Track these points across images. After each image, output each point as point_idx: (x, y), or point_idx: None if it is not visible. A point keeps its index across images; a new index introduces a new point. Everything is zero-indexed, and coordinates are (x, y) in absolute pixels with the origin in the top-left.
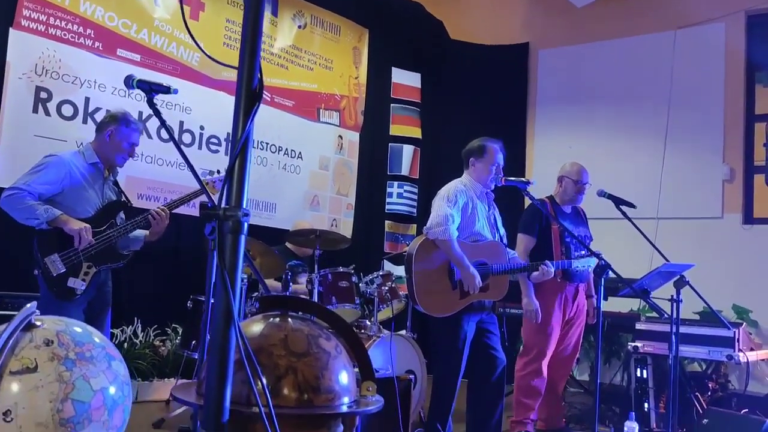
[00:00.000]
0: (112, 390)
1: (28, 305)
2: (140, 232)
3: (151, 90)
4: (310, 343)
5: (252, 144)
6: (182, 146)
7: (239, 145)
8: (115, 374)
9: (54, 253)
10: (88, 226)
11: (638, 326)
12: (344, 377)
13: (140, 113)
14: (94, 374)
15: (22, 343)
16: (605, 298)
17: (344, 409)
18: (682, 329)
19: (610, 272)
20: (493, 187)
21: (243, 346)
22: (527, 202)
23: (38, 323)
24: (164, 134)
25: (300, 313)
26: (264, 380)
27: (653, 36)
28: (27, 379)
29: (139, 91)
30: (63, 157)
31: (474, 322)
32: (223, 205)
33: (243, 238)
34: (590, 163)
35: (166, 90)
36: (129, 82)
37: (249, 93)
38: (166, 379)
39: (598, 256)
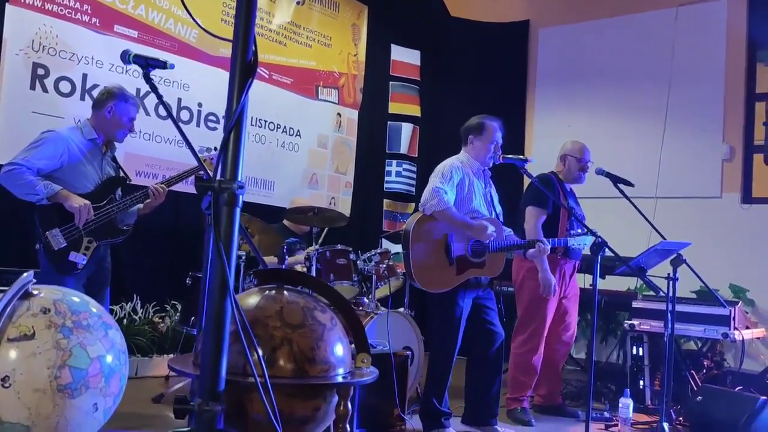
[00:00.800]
0: (108, 358)
1: (25, 274)
2: (134, 207)
3: (147, 65)
4: (306, 315)
5: (247, 119)
6: (180, 123)
7: (234, 119)
8: (112, 342)
9: (55, 227)
10: (88, 202)
11: (635, 304)
12: (339, 349)
13: (138, 90)
14: (91, 342)
15: (20, 311)
16: (602, 276)
17: (339, 379)
18: (679, 307)
19: (607, 250)
20: (491, 164)
21: (239, 318)
22: (527, 180)
23: (35, 292)
24: (162, 111)
25: (296, 286)
26: (260, 351)
27: (654, 13)
28: (25, 346)
29: (135, 66)
30: (61, 132)
31: (470, 299)
32: (218, 178)
33: (238, 210)
34: (590, 142)
35: (162, 65)
36: (125, 57)
37: (243, 66)
38: (165, 355)
39: (594, 234)
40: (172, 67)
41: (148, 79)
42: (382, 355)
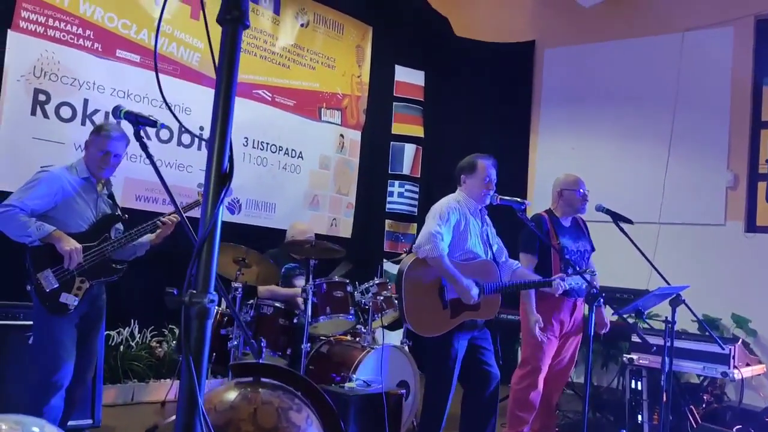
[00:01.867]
0: None
1: None
2: (146, 237)
3: (137, 122)
4: (280, 417)
5: (249, 143)
6: (181, 147)
7: (207, 230)
8: None
9: (47, 268)
10: (79, 246)
11: (634, 338)
12: None
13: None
14: None
15: None
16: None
17: None
18: (678, 343)
19: (602, 300)
20: (487, 202)
21: None
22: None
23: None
24: (163, 135)
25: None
26: None
27: (660, 38)
28: None
29: (138, 91)
30: (55, 172)
31: (466, 340)
32: (190, 290)
33: (209, 322)
34: (593, 165)
35: (152, 124)
36: (116, 112)
37: (218, 177)
38: (162, 380)
39: (584, 277)
40: (163, 126)
41: (138, 137)
42: (374, 394)
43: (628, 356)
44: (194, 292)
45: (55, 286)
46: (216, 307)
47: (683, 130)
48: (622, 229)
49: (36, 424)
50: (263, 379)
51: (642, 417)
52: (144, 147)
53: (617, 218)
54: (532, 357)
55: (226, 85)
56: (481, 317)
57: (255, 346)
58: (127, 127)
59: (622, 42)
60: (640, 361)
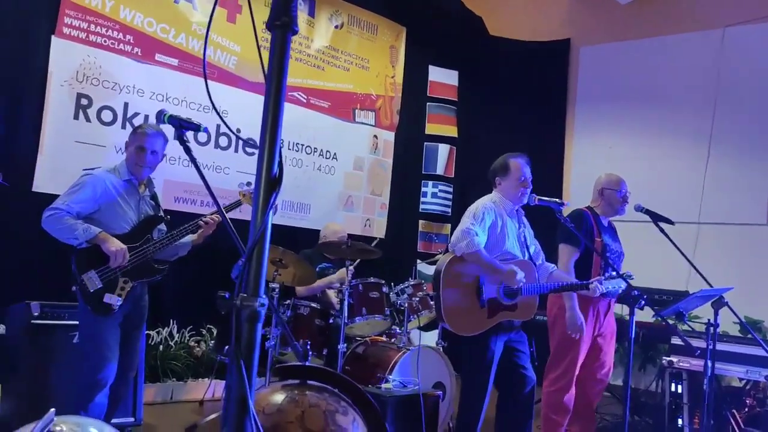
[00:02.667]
0: None
1: (50, 412)
2: (188, 238)
3: (181, 126)
4: (327, 421)
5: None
6: (218, 149)
7: (258, 234)
8: None
9: (92, 269)
10: (125, 247)
11: (673, 341)
12: None
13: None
14: None
15: None
16: (640, 308)
17: None
18: (720, 346)
19: (643, 302)
20: (525, 201)
21: None
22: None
23: (57, 429)
24: (201, 138)
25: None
26: None
27: (699, 34)
28: None
29: (175, 93)
30: (98, 175)
31: (502, 342)
32: (241, 294)
33: (260, 326)
34: (631, 164)
35: (196, 127)
36: (160, 117)
37: (269, 181)
38: (200, 379)
39: (626, 279)
40: (206, 130)
41: (181, 141)
42: (411, 395)
43: (668, 359)
44: (245, 295)
45: (99, 286)
46: None
47: (724, 128)
48: (662, 230)
49: (95, 426)
50: (309, 382)
51: (682, 421)
52: (188, 150)
53: (657, 218)
54: (566, 359)
55: (275, 90)
56: (517, 318)
57: (300, 349)
58: (171, 132)
59: (659, 39)
60: (680, 364)
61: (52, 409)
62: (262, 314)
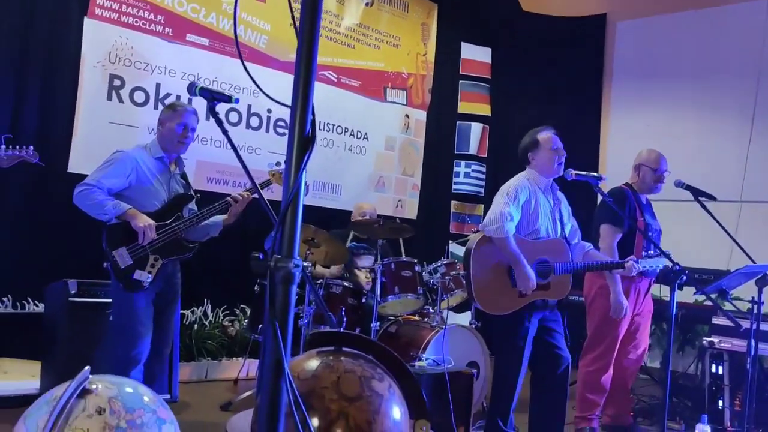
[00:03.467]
0: None
1: (84, 369)
2: (218, 218)
3: (212, 98)
4: (363, 386)
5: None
6: (250, 129)
7: (291, 194)
8: None
9: (122, 246)
10: (153, 223)
11: (714, 320)
12: (396, 420)
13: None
14: None
15: (76, 412)
16: (680, 288)
17: None
18: (764, 327)
19: (685, 278)
20: (561, 172)
21: (293, 399)
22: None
23: (93, 387)
24: (233, 118)
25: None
26: (314, 422)
27: (742, 5)
28: None
29: (206, 74)
30: (129, 153)
31: (536, 320)
32: (275, 255)
33: (294, 287)
34: (669, 142)
35: (227, 99)
36: (191, 89)
37: (301, 140)
38: (234, 358)
39: (668, 256)
40: (237, 101)
41: (213, 113)
42: (442, 374)
43: (709, 339)
44: (279, 257)
45: (130, 263)
46: None
47: None
48: (703, 206)
49: (129, 384)
50: (344, 349)
51: (723, 402)
52: (219, 122)
53: (698, 194)
54: (605, 339)
55: (307, 48)
56: (551, 297)
57: (334, 318)
58: (201, 105)
59: (699, 12)
60: (722, 345)
61: (87, 367)
62: (296, 276)
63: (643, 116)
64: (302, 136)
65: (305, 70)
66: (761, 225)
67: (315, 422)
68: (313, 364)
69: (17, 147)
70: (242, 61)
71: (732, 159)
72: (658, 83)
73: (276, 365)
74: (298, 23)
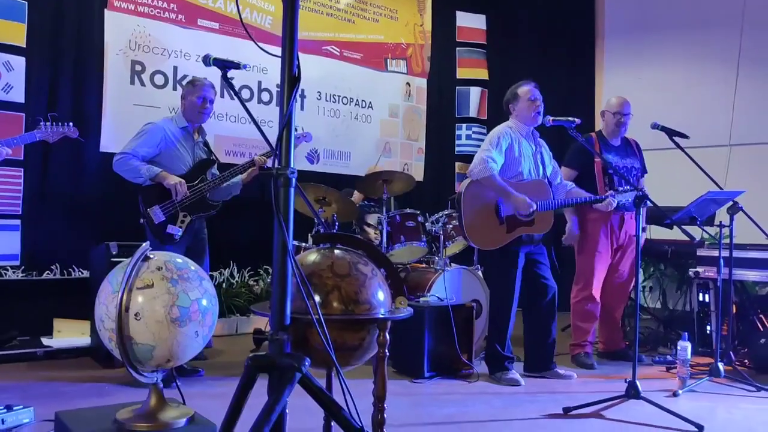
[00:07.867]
0: (204, 301)
1: (144, 244)
2: (238, 178)
3: (225, 67)
4: (351, 268)
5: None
6: (261, 104)
7: (285, 119)
8: (205, 289)
9: (155, 204)
10: (183, 180)
11: (699, 252)
12: (379, 293)
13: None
14: (190, 289)
15: (143, 270)
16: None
17: (379, 316)
18: (745, 254)
19: (649, 202)
20: (539, 121)
21: (298, 273)
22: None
23: (152, 256)
24: (245, 94)
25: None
26: (316, 297)
27: None
28: (148, 293)
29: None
30: (159, 123)
31: (524, 253)
32: (276, 165)
33: (292, 190)
34: (661, 92)
35: (237, 66)
36: (206, 60)
37: (290, 78)
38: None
39: (636, 188)
40: (245, 67)
41: (225, 78)
42: (446, 307)
43: (694, 270)
44: (279, 166)
45: (163, 219)
46: None
47: (752, 48)
48: (677, 144)
49: (179, 257)
50: (338, 245)
51: (710, 327)
52: (231, 86)
53: (672, 134)
54: (584, 271)
55: (290, 11)
56: (535, 232)
57: (323, 222)
58: (216, 74)
59: None
60: (707, 273)
61: (147, 242)
62: (292, 180)
63: (635, 70)
64: (291, 75)
65: (289, 24)
66: (750, 165)
67: (316, 295)
68: (313, 255)
69: (60, 123)
70: (251, 37)
71: (720, 106)
72: (648, 38)
73: (282, 248)
74: None
